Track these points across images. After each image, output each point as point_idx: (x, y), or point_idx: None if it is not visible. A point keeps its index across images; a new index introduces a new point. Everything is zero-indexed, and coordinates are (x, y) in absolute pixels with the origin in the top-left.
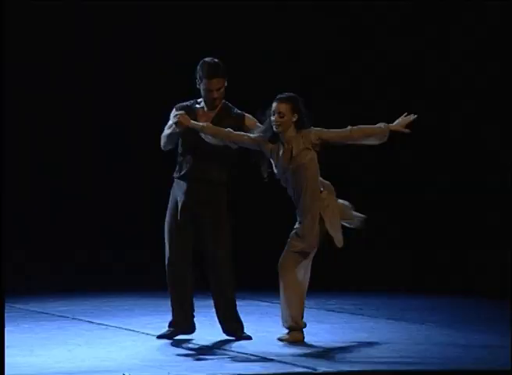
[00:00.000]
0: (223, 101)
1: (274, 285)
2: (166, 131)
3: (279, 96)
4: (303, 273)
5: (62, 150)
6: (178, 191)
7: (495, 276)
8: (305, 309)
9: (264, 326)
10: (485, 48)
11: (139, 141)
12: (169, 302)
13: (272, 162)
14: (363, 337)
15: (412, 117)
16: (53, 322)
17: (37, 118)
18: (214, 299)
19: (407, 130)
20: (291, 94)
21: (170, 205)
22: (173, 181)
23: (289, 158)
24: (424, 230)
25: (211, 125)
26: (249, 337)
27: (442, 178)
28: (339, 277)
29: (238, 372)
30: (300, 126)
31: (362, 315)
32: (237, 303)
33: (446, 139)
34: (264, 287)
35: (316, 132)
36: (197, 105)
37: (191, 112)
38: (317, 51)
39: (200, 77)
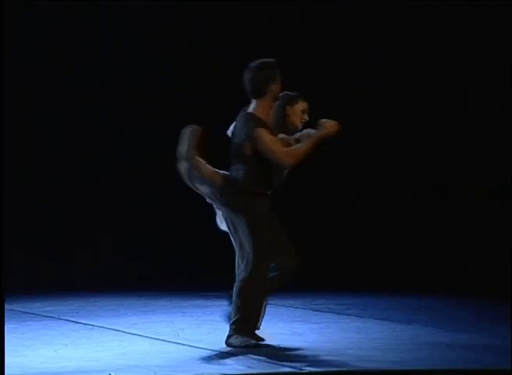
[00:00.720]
0: None
1: None
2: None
3: (298, 94)
4: None
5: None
6: (264, 206)
7: (481, 275)
8: (292, 309)
9: None
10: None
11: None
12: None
13: None
14: (349, 336)
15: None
16: (39, 322)
17: (38, 118)
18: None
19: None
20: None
21: (261, 220)
22: (252, 195)
23: None
24: (413, 230)
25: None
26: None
27: (432, 175)
28: (326, 277)
29: (223, 371)
30: None
31: (349, 315)
32: (221, 303)
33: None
34: None
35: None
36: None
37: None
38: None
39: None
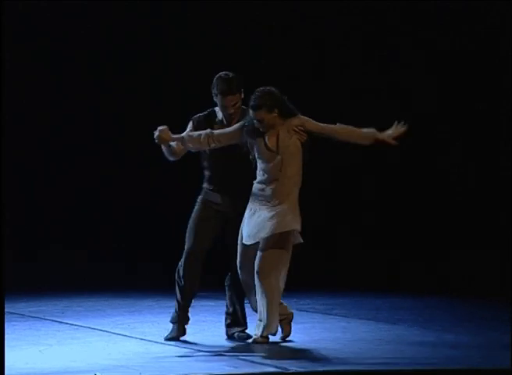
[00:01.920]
0: (242, 108)
1: None
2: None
3: (251, 103)
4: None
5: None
6: (209, 198)
7: (467, 275)
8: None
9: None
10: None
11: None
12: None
13: (256, 147)
14: (335, 337)
15: (402, 128)
16: (24, 322)
17: (38, 119)
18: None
19: (394, 142)
20: (263, 92)
21: (200, 206)
22: (202, 189)
23: (276, 143)
24: (397, 230)
25: (190, 134)
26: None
27: (423, 170)
28: (311, 277)
29: (209, 371)
30: (284, 115)
31: (334, 315)
32: (211, 304)
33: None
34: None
35: (301, 119)
36: (216, 118)
37: (208, 123)
38: None
39: (215, 93)
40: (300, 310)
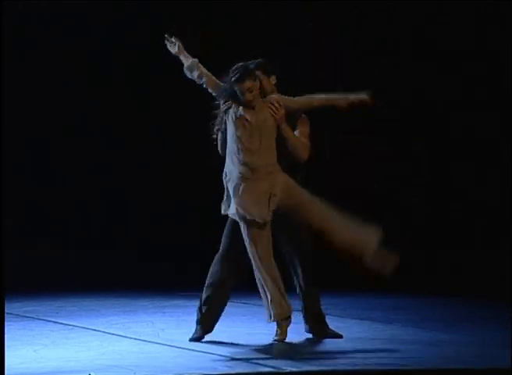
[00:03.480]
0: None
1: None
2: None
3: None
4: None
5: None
6: None
7: (462, 275)
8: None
9: (230, 327)
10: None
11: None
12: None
13: (229, 119)
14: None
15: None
16: (18, 322)
17: (38, 119)
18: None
19: (369, 101)
20: (251, 64)
21: None
22: None
23: (251, 115)
24: (392, 229)
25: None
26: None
27: (410, 172)
28: None
29: (204, 372)
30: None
31: (329, 314)
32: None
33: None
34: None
35: (280, 95)
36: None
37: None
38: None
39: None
40: (295, 310)
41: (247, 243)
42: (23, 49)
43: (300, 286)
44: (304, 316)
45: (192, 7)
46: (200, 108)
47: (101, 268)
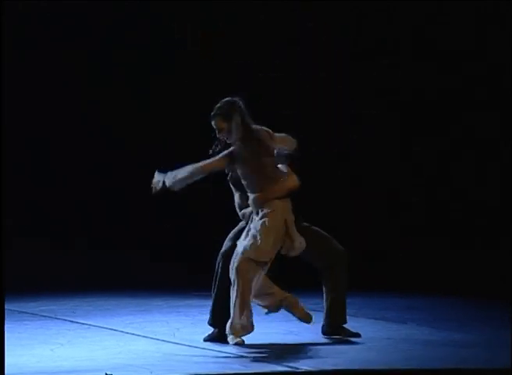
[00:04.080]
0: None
1: None
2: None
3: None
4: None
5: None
6: None
7: (476, 276)
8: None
9: None
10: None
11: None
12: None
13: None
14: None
15: None
16: (35, 321)
17: (37, 119)
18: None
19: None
20: (222, 103)
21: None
22: None
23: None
24: (408, 230)
25: (173, 176)
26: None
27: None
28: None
29: (219, 371)
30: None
31: None
32: None
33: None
34: None
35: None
36: None
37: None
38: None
39: None
40: (311, 310)
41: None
42: (23, 49)
43: (329, 291)
44: (327, 321)
45: (192, 7)
46: (200, 108)
47: (110, 268)
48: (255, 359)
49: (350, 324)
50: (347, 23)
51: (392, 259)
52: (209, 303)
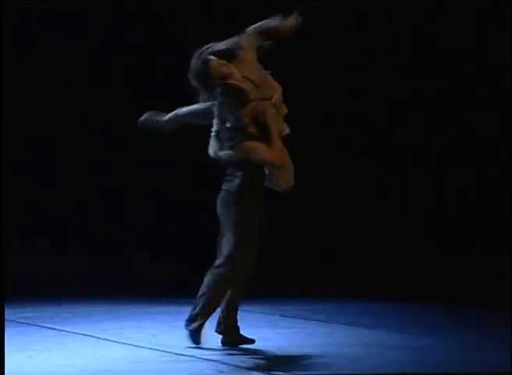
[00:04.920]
0: None
1: None
2: None
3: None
4: None
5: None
6: None
7: (443, 281)
8: (260, 315)
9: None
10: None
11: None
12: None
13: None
14: (317, 342)
15: None
16: (13, 328)
17: (37, 119)
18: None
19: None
20: None
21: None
22: None
23: None
24: (378, 235)
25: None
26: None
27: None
28: (294, 283)
29: None
30: None
31: (316, 320)
32: None
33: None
34: None
35: None
36: None
37: None
38: None
39: None
40: (283, 316)
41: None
42: (23, 49)
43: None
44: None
45: (192, 7)
46: None
47: (98, 270)
48: (230, 365)
49: (322, 330)
50: (347, 22)
51: (365, 265)
52: (185, 310)
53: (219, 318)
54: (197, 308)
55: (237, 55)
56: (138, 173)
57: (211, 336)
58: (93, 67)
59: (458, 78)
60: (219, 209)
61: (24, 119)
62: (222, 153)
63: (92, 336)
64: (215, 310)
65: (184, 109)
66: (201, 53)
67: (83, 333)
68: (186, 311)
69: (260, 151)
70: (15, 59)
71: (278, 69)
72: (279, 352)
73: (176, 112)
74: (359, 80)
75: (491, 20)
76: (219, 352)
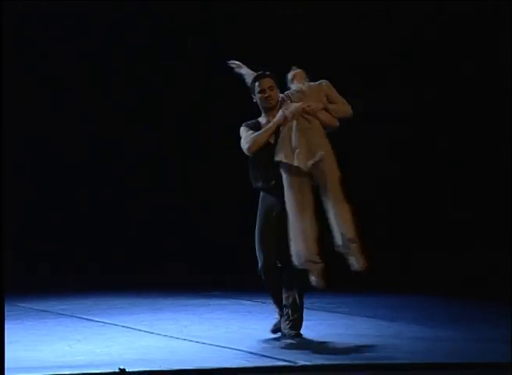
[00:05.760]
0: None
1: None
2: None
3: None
4: None
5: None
6: (267, 201)
7: (465, 275)
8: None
9: (248, 324)
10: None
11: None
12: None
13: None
14: (339, 333)
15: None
16: (54, 319)
17: (37, 119)
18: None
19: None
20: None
21: (261, 212)
22: (259, 192)
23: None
24: (398, 230)
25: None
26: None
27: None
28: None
29: (224, 365)
30: None
31: (338, 312)
32: (222, 302)
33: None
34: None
35: None
36: (261, 120)
37: (256, 126)
38: None
39: (253, 90)
40: (307, 308)
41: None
42: (23, 49)
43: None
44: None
45: (192, 7)
46: (200, 108)
47: (128, 269)
48: (257, 354)
49: (344, 321)
50: (347, 22)
51: (386, 260)
52: (215, 302)
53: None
54: None
55: None
56: (138, 173)
57: (239, 327)
58: (93, 67)
59: (458, 78)
60: None
61: (24, 119)
62: None
63: (127, 327)
64: None
65: None
66: None
67: (119, 324)
68: (215, 303)
69: None
70: (15, 59)
71: None
72: (302, 343)
73: None
74: (359, 79)
75: (491, 20)
76: (247, 343)
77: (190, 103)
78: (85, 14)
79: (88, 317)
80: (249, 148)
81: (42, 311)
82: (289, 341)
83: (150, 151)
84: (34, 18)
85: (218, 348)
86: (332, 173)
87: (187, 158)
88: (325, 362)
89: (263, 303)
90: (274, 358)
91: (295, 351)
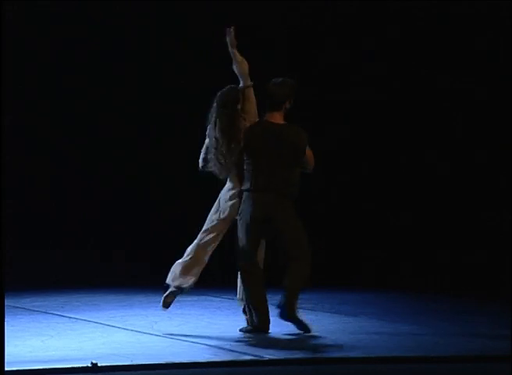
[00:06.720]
0: None
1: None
2: None
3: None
4: None
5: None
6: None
7: (425, 272)
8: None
9: (217, 320)
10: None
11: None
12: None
13: None
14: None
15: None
16: (28, 315)
17: (37, 119)
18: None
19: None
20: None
21: (244, 216)
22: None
23: None
24: (361, 226)
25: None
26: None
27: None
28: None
29: (193, 359)
30: None
31: (303, 308)
32: (192, 299)
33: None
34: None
35: None
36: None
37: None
38: None
39: None
40: (273, 305)
41: None
42: (23, 49)
43: None
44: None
45: (192, 7)
46: (200, 108)
47: (100, 267)
48: (225, 349)
49: (309, 317)
50: (347, 22)
51: (350, 257)
52: (185, 299)
53: None
54: None
55: None
56: (138, 173)
57: (208, 322)
58: (93, 67)
59: (458, 78)
60: None
61: (24, 119)
62: None
63: (100, 323)
64: None
65: None
66: None
67: (91, 320)
68: (185, 300)
69: None
70: (15, 59)
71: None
72: (268, 337)
73: None
74: (359, 79)
75: (491, 20)
76: (216, 338)
77: (190, 103)
78: (85, 14)
79: (61, 313)
80: None
81: (16, 307)
82: (254, 335)
83: (149, 151)
84: (34, 18)
85: (187, 343)
86: None
87: (185, 157)
88: (290, 356)
89: (231, 300)
90: (241, 352)
91: (261, 346)
